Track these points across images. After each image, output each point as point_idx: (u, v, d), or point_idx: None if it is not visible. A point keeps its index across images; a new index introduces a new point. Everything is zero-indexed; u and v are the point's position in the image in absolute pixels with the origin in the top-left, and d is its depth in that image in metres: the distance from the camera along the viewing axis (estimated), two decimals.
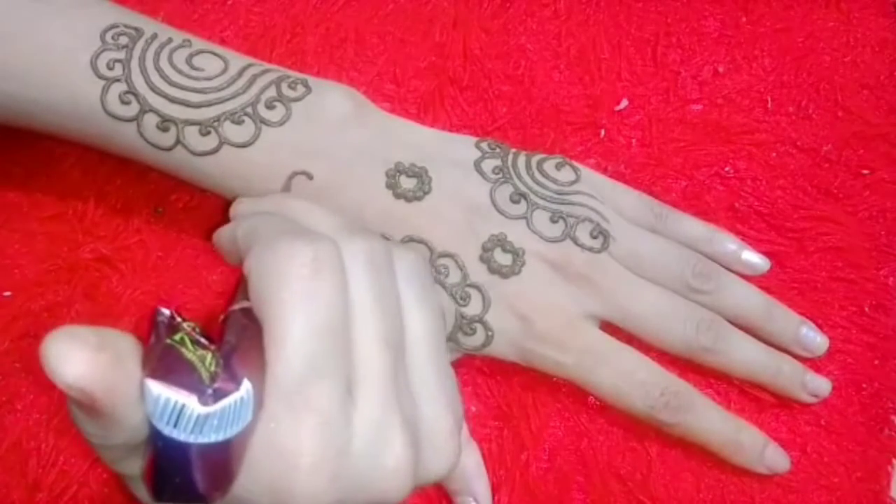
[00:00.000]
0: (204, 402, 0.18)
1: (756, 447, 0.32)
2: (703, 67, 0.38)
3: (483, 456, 0.31)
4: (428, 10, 0.38)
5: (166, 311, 0.20)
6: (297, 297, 0.20)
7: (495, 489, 0.31)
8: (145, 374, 0.18)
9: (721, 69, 0.38)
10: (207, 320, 0.33)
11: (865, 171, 0.37)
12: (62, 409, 0.31)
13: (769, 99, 0.38)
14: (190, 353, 0.19)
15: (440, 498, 0.31)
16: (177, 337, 0.19)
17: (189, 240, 0.34)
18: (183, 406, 0.18)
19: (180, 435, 0.18)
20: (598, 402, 0.32)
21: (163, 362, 0.18)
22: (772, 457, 0.32)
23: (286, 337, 0.19)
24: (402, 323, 0.23)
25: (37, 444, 0.30)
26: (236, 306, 0.21)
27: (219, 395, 0.18)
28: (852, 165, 0.37)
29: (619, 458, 0.32)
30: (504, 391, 0.33)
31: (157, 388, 0.18)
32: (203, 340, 0.19)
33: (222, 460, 0.19)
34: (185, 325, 0.20)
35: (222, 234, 0.26)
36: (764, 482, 0.32)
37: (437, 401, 0.23)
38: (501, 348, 0.31)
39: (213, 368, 0.19)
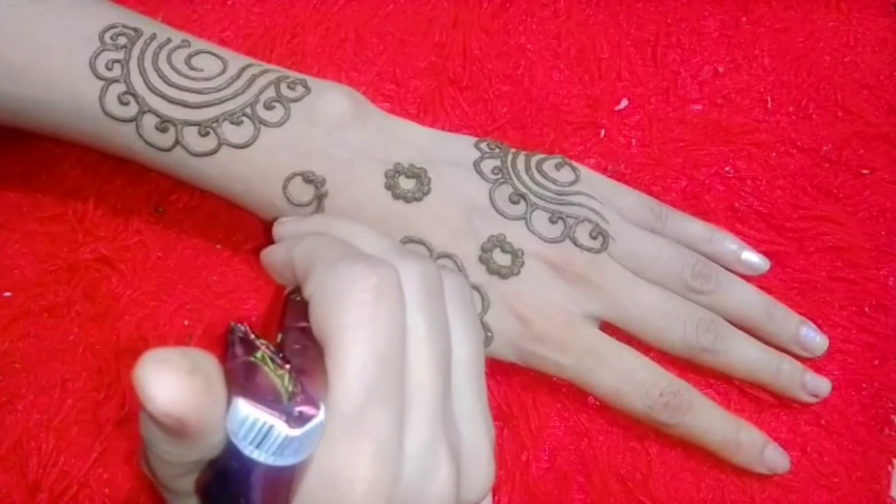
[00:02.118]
0: (292, 425, 0.18)
1: (756, 447, 0.32)
2: (703, 67, 0.38)
3: None
4: (428, 10, 0.38)
5: (241, 328, 0.20)
6: (359, 322, 0.20)
7: (495, 489, 0.31)
8: (231, 394, 0.18)
9: (721, 69, 0.38)
10: (212, 321, 0.33)
11: (865, 171, 0.37)
12: (62, 409, 0.31)
13: (769, 99, 0.38)
14: (271, 372, 0.19)
15: None
16: (258, 355, 0.19)
17: (189, 240, 0.34)
18: (271, 428, 0.18)
19: (261, 456, 0.18)
20: (598, 402, 0.32)
21: (249, 382, 0.18)
22: (772, 457, 0.32)
23: (347, 362, 0.19)
24: (450, 345, 0.23)
25: (37, 445, 0.30)
26: (293, 325, 0.21)
27: (304, 418, 0.18)
28: (852, 165, 0.37)
29: (619, 458, 0.32)
30: (504, 391, 0.33)
31: (246, 408, 0.18)
32: (279, 360, 0.19)
33: (284, 483, 0.19)
34: (260, 342, 0.20)
35: (273, 255, 0.26)
36: (764, 482, 0.32)
37: (478, 424, 0.23)
38: (501, 349, 0.31)
39: (291, 389, 0.19)
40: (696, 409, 0.31)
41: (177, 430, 0.18)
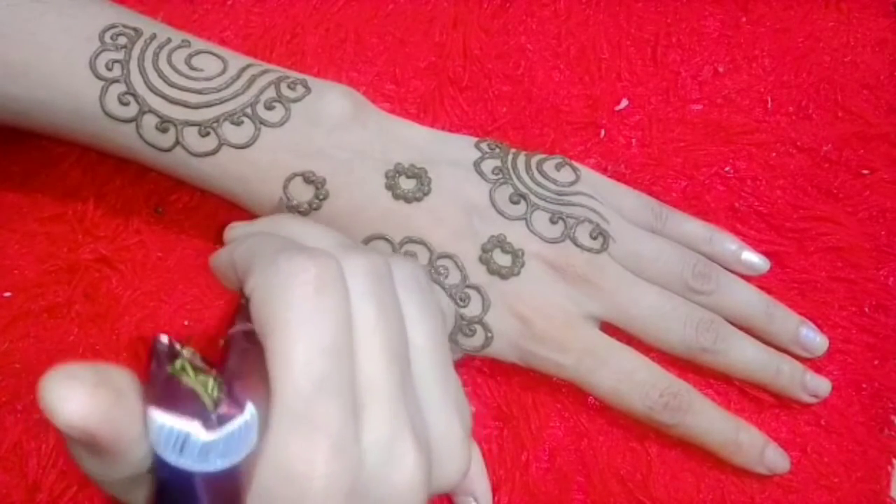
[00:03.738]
0: (209, 429, 0.18)
1: (756, 447, 0.32)
2: (703, 67, 0.38)
3: (483, 456, 0.31)
4: (428, 10, 0.38)
5: (165, 339, 0.20)
6: (302, 316, 0.20)
7: (495, 489, 0.31)
8: (148, 405, 0.18)
9: (721, 69, 0.38)
10: (211, 326, 0.33)
11: (865, 171, 0.37)
12: None
13: (769, 99, 0.38)
14: (191, 379, 0.19)
15: (440, 498, 0.31)
16: (177, 364, 0.19)
17: (189, 240, 0.34)
18: (188, 434, 0.18)
19: (186, 463, 0.18)
20: (598, 402, 0.32)
21: (165, 391, 0.18)
22: (772, 457, 0.32)
23: (292, 358, 0.19)
24: (406, 333, 0.23)
25: (37, 445, 0.30)
26: (236, 329, 0.21)
27: (223, 421, 0.18)
28: (852, 165, 0.37)
29: (619, 458, 0.32)
30: (504, 391, 0.33)
31: (160, 417, 0.18)
32: (204, 366, 0.19)
33: (229, 486, 0.18)
34: (184, 351, 0.19)
35: (219, 258, 0.26)
36: (764, 482, 0.32)
37: (445, 409, 0.23)
38: (501, 349, 0.31)
39: (215, 394, 0.18)
40: (696, 410, 0.31)
41: (90, 446, 0.18)
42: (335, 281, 0.20)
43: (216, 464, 0.18)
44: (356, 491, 0.19)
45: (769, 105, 0.38)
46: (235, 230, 0.28)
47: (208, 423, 0.18)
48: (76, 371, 0.17)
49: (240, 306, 0.22)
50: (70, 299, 0.33)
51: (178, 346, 0.20)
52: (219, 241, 0.34)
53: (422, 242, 0.31)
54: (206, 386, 0.19)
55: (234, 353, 0.20)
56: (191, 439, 0.18)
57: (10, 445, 0.30)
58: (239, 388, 0.19)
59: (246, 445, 0.18)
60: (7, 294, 0.33)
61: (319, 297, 0.20)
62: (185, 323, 0.33)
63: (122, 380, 0.18)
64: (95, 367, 0.18)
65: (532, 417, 0.32)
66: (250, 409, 0.18)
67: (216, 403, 0.18)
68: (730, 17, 0.39)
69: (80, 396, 0.17)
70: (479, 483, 0.31)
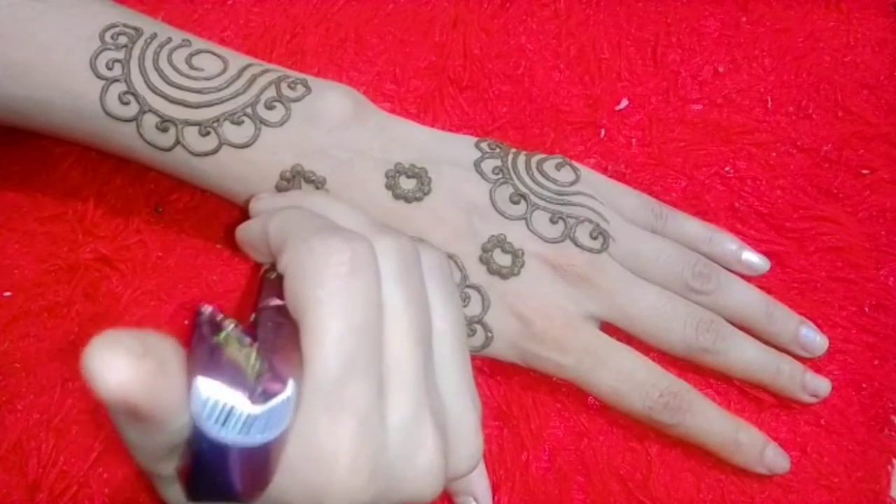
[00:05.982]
0: (254, 402, 0.18)
1: (756, 447, 0.32)
2: (703, 67, 0.38)
3: (483, 456, 0.31)
4: (428, 10, 0.38)
5: (208, 309, 0.20)
6: (335, 295, 0.20)
7: (495, 489, 0.31)
8: (193, 375, 0.18)
9: (721, 69, 0.38)
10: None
11: (865, 171, 0.37)
12: (62, 408, 0.31)
13: (769, 99, 0.38)
14: (236, 351, 0.19)
15: (440, 498, 0.31)
16: (221, 336, 0.19)
17: (189, 240, 0.34)
18: (232, 407, 0.18)
19: (227, 435, 0.18)
20: (598, 402, 0.32)
21: (211, 362, 0.18)
22: (772, 457, 0.32)
23: (324, 336, 0.19)
24: (430, 318, 0.23)
25: (37, 444, 0.30)
26: (267, 304, 0.21)
27: (268, 395, 0.18)
28: (852, 165, 0.37)
29: (619, 458, 0.32)
30: (504, 391, 0.33)
31: (206, 388, 0.18)
32: (246, 339, 0.19)
33: (262, 460, 0.19)
34: (227, 322, 0.19)
35: (249, 230, 0.26)
36: (764, 482, 0.32)
37: (463, 396, 0.23)
38: (501, 349, 0.31)
39: (257, 367, 0.18)
40: (696, 410, 0.31)
41: (132, 415, 0.17)
42: (369, 264, 0.21)
43: (256, 438, 0.18)
44: (380, 470, 0.20)
45: (769, 105, 0.38)
46: (262, 202, 0.28)
47: (253, 397, 0.18)
48: (121, 339, 0.17)
49: (265, 282, 0.22)
50: (70, 299, 0.33)
51: (220, 317, 0.20)
52: (219, 241, 0.34)
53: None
54: (248, 359, 0.19)
55: (266, 327, 0.20)
56: (235, 412, 0.18)
57: (10, 445, 0.30)
58: (278, 362, 0.19)
59: (284, 421, 0.18)
60: (7, 294, 0.33)
61: (353, 278, 0.20)
62: (186, 322, 0.33)
63: (167, 349, 0.18)
64: (140, 336, 0.17)
65: (532, 417, 0.32)
66: (291, 385, 0.19)
67: (258, 377, 0.18)
68: (730, 17, 0.39)
69: (123, 366, 0.17)
70: (479, 483, 0.31)
